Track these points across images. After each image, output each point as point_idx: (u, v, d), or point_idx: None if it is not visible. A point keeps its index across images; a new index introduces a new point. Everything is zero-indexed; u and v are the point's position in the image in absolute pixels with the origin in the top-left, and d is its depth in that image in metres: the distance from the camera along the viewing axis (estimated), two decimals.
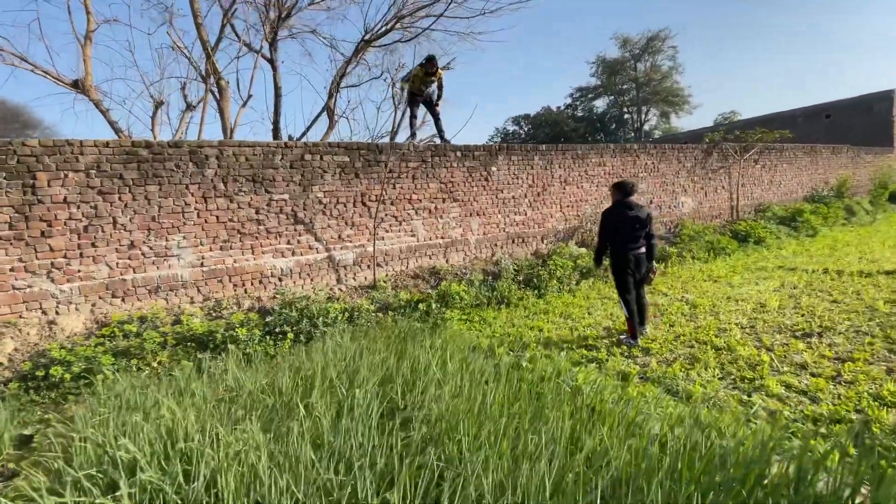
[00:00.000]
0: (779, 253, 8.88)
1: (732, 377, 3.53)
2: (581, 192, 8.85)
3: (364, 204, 6.41)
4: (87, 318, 4.83)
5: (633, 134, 42.44)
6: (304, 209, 6.00)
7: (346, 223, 6.31)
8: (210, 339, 4.77)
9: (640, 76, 40.57)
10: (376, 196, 6.49)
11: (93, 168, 4.79)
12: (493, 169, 7.66)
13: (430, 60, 6.82)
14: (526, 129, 44.38)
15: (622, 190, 4.68)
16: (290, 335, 5.00)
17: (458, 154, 7.25)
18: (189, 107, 8.34)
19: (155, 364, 4.52)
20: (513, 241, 7.98)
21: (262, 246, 5.74)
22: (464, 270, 7.09)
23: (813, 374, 3.47)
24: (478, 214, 7.54)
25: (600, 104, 44.83)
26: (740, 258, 8.50)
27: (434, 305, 5.92)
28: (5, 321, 4.47)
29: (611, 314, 5.64)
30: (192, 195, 5.30)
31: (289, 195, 5.88)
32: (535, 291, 6.84)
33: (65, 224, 4.70)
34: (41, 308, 4.64)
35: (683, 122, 38.80)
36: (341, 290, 6.19)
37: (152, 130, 7.50)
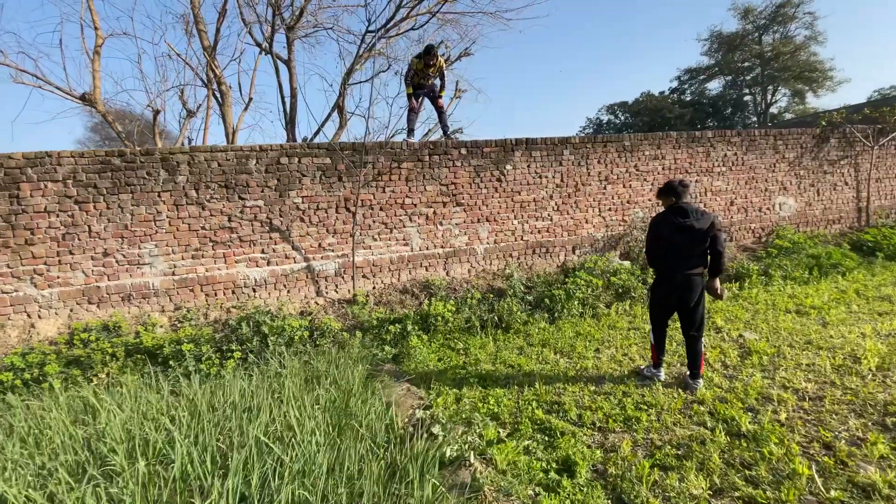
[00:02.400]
0: None
1: (733, 497, 2.21)
2: (629, 192, 7.27)
3: (348, 210, 5.85)
4: (63, 322, 4.99)
5: (755, 118, 36.22)
6: (281, 216, 5.63)
7: (328, 231, 5.81)
8: (159, 353, 4.61)
9: (765, 50, 34.35)
10: (363, 201, 5.89)
11: (69, 178, 4.92)
12: (508, 167, 6.56)
13: (429, 51, 6.00)
14: (622, 117, 40.54)
15: (669, 192, 3.46)
16: (238, 354, 4.63)
17: (463, 151, 6.32)
18: (190, 113, 8.66)
19: (103, 375, 4.46)
20: (533, 252, 6.80)
21: (234, 255, 5.50)
22: (465, 285, 6.17)
23: None
24: (487, 220, 6.53)
25: (714, 86, 39.01)
26: (858, 280, 6.22)
27: (410, 327, 5.14)
28: None
29: (626, 353, 4.32)
30: (164, 203, 5.22)
31: (264, 201, 5.55)
32: (548, 315, 5.65)
33: (45, 232, 4.89)
34: (25, 311, 4.89)
35: (824, 102, 31.82)
36: (318, 304, 5.71)
37: (154, 139, 7.89)
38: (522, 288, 6.07)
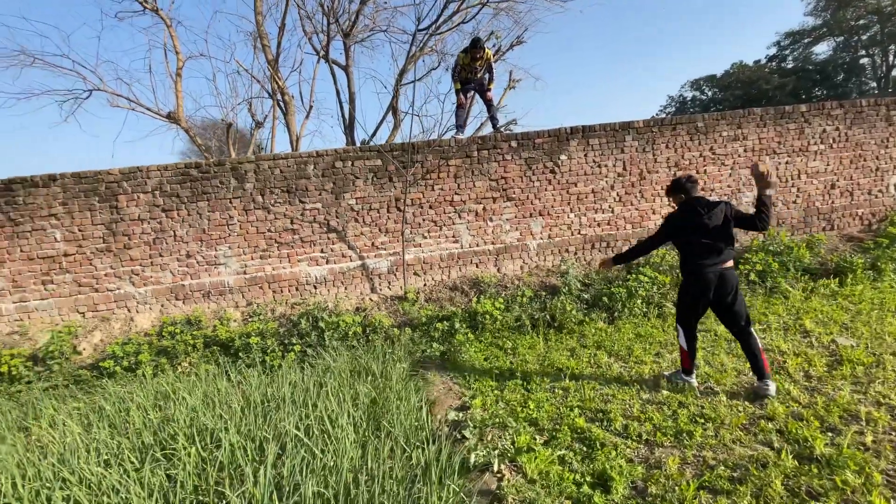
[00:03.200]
0: None
1: None
2: (702, 179, 6.59)
3: (398, 209, 5.98)
4: (156, 316, 5.69)
5: (873, 84, 31.04)
6: (337, 217, 5.90)
7: (380, 230, 5.99)
8: (231, 345, 5.08)
9: (884, 5, 29.17)
10: (412, 200, 5.98)
11: (157, 189, 5.57)
12: (563, 158, 6.26)
13: (475, 45, 5.90)
14: (710, 93, 36.88)
15: (678, 189, 3.48)
16: (297, 348, 4.96)
17: (513, 144, 6.14)
18: (258, 124, 9.28)
19: (185, 364, 5.03)
20: (592, 247, 6.45)
21: (297, 254, 5.87)
22: (516, 282, 6.02)
23: None
24: (540, 214, 6.30)
25: (822, 49, 33.96)
26: None
27: (458, 325, 5.14)
28: (101, 317, 5.59)
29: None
30: (235, 208, 5.72)
31: (321, 203, 5.86)
32: (607, 314, 5.34)
33: (139, 237, 5.60)
34: (126, 306, 5.65)
35: None
36: (372, 301, 5.92)
37: (229, 150, 8.60)
38: (578, 285, 5.79)
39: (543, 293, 5.74)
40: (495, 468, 2.44)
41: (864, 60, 32.01)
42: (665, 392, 3.34)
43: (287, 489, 2.17)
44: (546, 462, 2.53)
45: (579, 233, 6.41)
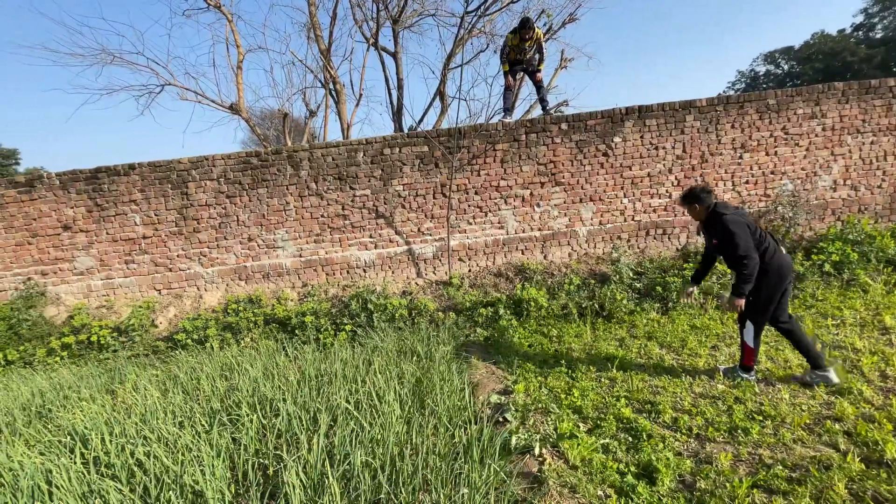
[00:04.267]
0: None
1: None
2: (773, 161, 6.09)
3: (444, 195, 6.02)
4: (222, 294, 6.16)
5: None
6: (385, 203, 6.05)
7: (426, 216, 6.08)
8: (288, 323, 5.42)
9: None
10: (458, 186, 5.99)
11: (221, 177, 5.97)
12: (617, 140, 6.00)
13: (524, 25, 5.72)
14: (786, 66, 33.59)
15: (698, 199, 3.22)
16: (348, 327, 5.19)
17: (564, 127, 5.96)
18: (311, 113, 9.52)
19: (248, 339, 5.43)
20: (646, 234, 6.18)
21: (347, 239, 6.11)
22: (563, 270, 5.91)
23: None
24: (591, 200, 6.10)
25: None
26: None
27: (502, 311, 5.15)
28: (175, 294, 6.13)
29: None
30: (291, 194, 6.02)
31: (370, 190, 6.02)
32: (661, 304, 5.14)
33: (206, 221, 6.05)
34: (196, 285, 6.16)
35: None
36: (418, 285, 6.05)
37: (285, 139, 8.92)
38: (630, 273, 5.59)
39: (592, 281, 5.60)
40: (536, 452, 2.47)
41: None
42: (721, 386, 3.19)
43: (338, 457, 2.32)
44: (589, 449, 2.52)
45: (633, 219, 6.16)
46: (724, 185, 6.14)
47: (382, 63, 9.49)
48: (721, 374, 3.38)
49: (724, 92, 35.04)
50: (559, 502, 2.11)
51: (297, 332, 5.29)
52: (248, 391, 3.23)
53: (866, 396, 2.79)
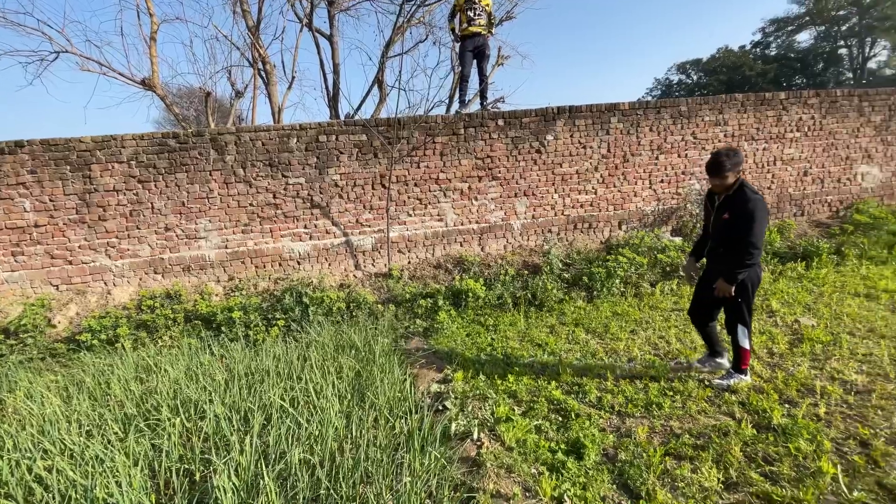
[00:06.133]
0: None
1: (748, 493, 2.08)
2: (684, 163, 6.73)
3: (383, 186, 5.94)
4: (134, 290, 5.59)
5: (850, 75, 31.69)
6: (320, 192, 5.84)
7: (364, 206, 5.96)
8: (213, 320, 5.06)
9: None
10: (397, 177, 5.94)
11: (133, 159, 5.39)
12: (549, 138, 6.29)
13: None
14: (695, 76, 37.07)
15: (736, 164, 2.84)
16: (281, 322, 4.97)
17: (500, 123, 6.12)
18: (238, 94, 8.99)
19: (166, 338, 4.99)
20: (575, 227, 6.56)
21: (279, 230, 5.81)
22: (500, 261, 6.11)
23: None
24: (525, 195, 6.35)
25: (804, 38, 34.37)
26: None
27: (441, 302, 5.22)
28: (76, 290, 5.46)
29: (662, 336, 4.12)
30: (215, 181, 5.59)
31: (305, 178, 5.77)
32: (587, 293, 5.49)
33: (115, 209, 5.44)
34: (102, 280, 5.53)
35: None
36: (356, 277, 5.93)
37: (207, 120, 8.33)
38: (560, 265, 5.91)
39: (526, 272, 5.85)
40: (475, 436, 2.55)
41: (843, 51, 32.58)
42: (638, 366, 3.50)
43: (273, 457, 2.23)
44: (523, 431, 2.65)
45: (563, 213, 6.51)
46: (643, 183, 6.68)
47: (317, 45, 9.08)
48: (714, 386, 3.06)
49: (643, 97, 37.94)
50: (496, 482, 2.20)
51: (223, 329, 4.95)
52: (168, 393, 2.99)
53: (757, 371, 3.22)
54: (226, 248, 5.72)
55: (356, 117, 6.04)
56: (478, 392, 3.19)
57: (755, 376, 3.15)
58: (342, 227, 5.96)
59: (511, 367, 3.67)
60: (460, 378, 3.45)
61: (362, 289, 5.65)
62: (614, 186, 6.61)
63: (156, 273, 5.62)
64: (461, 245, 6.26)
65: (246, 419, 2.65)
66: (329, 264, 5.99)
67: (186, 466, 2.30)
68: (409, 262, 6.13)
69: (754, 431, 2.50)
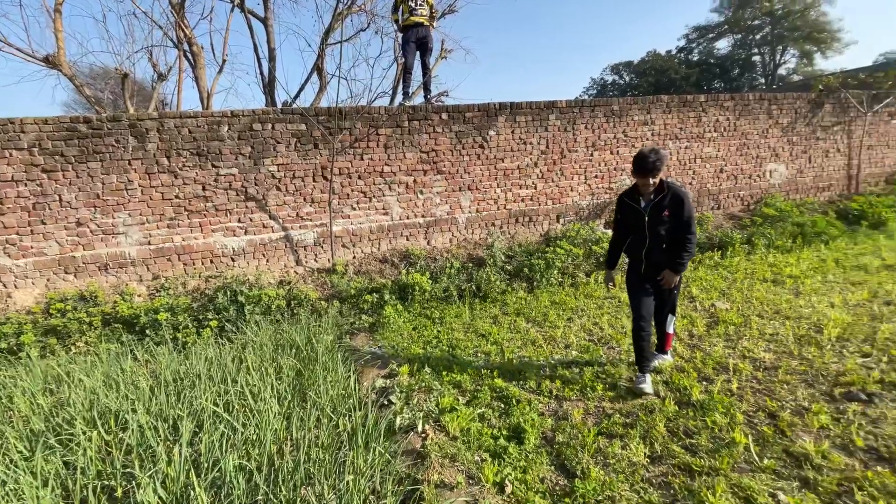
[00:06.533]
0: None
1: (670, 464, 2.28)
2: (616, 160, 7.13)
3: (325, 178, 5.75)
4: (41, 292, 5.01)
5: (762, 80, 35.10)
6: (256, 184, 5.54)
7: (305, 199, 5.74)
8: (136, 322, 4.66)
9: (776, 8, 32.81)
10: (340, 169, 5.78)
11: (34, 146, 4.80)
12: (491, 133, 6.40)
13: None
14: (627, 78, 39.30)
15: (662, 163, 2.84)
16: (214, 323, 4.68)
17: (444, 117, 6.14)
18: (161, 77, 8.32)
19: (81, 344, 4.53)
20: (516, 221, 6.75)
21: (210, 224, 5.45)
22: (446, 255, 6.16)
23: (805, 483, 2.07)
24: (469, 189, 6.43)
25: (723, 45, 37.52)
26: (839, 249, 6.19)
27: (388, 297, 5.17)
28: None
29: (596, 322, 4.36)
30: (136, 171, 5.12)
31: (238, 169, 5.45)
32: (527, 284, 5.68)
33: (14, 202, 4.82)
34: (1, 282, 4.90)
35: (831, 64, 30.73)
36: (297, 273, 5.72)
37: (125, 104, 7.62)
38: (503, 257, 6.06)
39: (470, 265, 5.94)
40: (419, 429, 2.57)
41: (756, 58, 35.96)
42: (574, 352, 3.69)
43: (205, 465, 2.11)
44: (467, 420, 2.71)
45: (505, 207, 6.66)
46: (579, 178, 7.00)
47: (250, 28, 8.54)
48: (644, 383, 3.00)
49: (580, 96, 39.68)
50: (440, 472, 2.24)
51: (148, 332, 4.58)
52: (84, 405, 2.72)
53: (679, 352, 3.50)
54: (149, 244, 5.28)
55: (294, 105, 5.78)
56: (423, 385, 3.21)
57: (677, 357, 3.44)
58: (281, 220, 5.70)
59: (456, 358, 3.72)
60: (406, 372, 3.45)
61: (304, 285, 5.46)
62: (553, 181, 6.87)
63: (66, 273, 5.08)
64: (407, 239, 6.23)
65: (175, 427, 2.47)
66: (267, 261, 5.72)
67: (106, 482, 2.12)
68: (355, 257, 6.01)
69: (676, 408, 2.72)
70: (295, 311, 4.99)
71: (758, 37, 35.44)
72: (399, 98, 7.19)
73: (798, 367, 3.14)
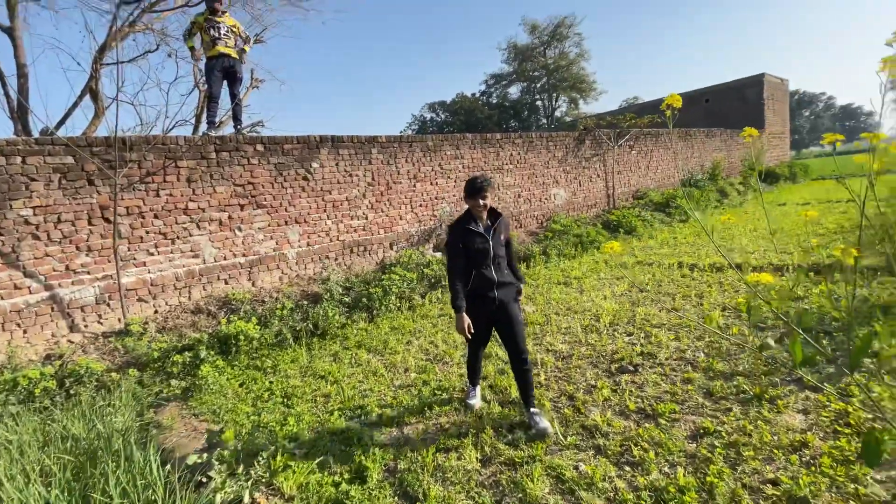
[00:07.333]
0: (647, 243, 8.47)
1: (499, 463, 2.52)
2: (436, 189, 7.77)
3: (107, 220, 4.76)
4: None
5: (545, 121, 43.12)
6: (1, 234, 4.25)
7: (79, 248, 4.64)
8: None
9: (549, 62, 41.07)
10: (128, 208, 4.87)
11: None
12: (315, 165, 6.29)
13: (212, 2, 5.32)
14: (442, 115, 43.50)
15: (489, 186, 2.93)
16: None
17: (260, 148, 5.78)
18: None
19: None
20: (351, 251, 6.71)
21: None
22: (275, 295, 5.70)
23: (598, 450, 2.56)
24: (297, 222, 6.15)
25: (514, 91, 45.00)
26: (606, 253, 7.93)
27: (205, 353, 4.48)
28: None
29: (432, 341, 4.58)
30: None
31: None
32: (367, 314, 5.64)
33: None
34: None
35: (590, 108, 40.02)
36: (73, 343, 4.53)
37: None
38: (340, 290, 5.92)
39: (305, 302, 5.62)
40: (246, 500, 2.28)
41: (539, 102, 44.05)
42: (413, 374, 3.81)
43: None
44: (304, 473, 2.52)
45: (338, 238, 6.57)
46: (406, 207, 7.39)
47: (13, 39, 6.56)
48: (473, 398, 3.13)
49: (403, 131, 42.26)
50: None
51: None
52: None
53: (500, 356, 3.94)
54: None
55: (56, 135, 4.64)
56: (253, 447, 2.87)
57: (498, 360, 3.86)
58: (44, 277, 4.47)
59: (292, 408, 3.45)
60: (231, 437, 3.02)
61: (84, 357, 4.35)
62: (382, 211, 7.09)
63: None
64: (226, 282, 5.57)
65: None
66: (25, 331, 4.39)
67: None
68: (157, 312, 5.07)
69: (500, 407, 3.05)
70: (72, 392, 3.92)
71: (538, 85, 43.61)
72: (204, 127, 6.47)
73: (586, 353, 3.86)
